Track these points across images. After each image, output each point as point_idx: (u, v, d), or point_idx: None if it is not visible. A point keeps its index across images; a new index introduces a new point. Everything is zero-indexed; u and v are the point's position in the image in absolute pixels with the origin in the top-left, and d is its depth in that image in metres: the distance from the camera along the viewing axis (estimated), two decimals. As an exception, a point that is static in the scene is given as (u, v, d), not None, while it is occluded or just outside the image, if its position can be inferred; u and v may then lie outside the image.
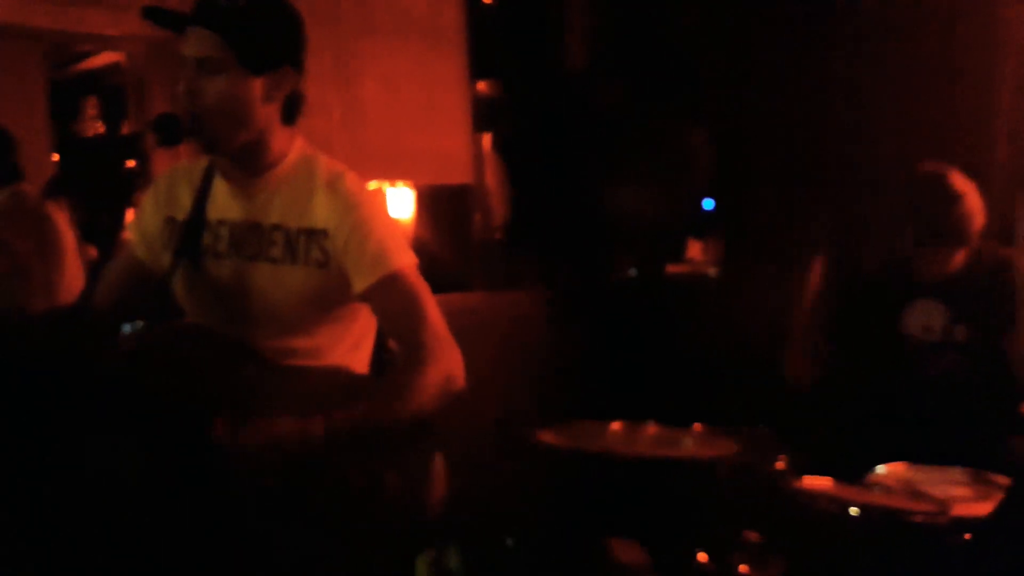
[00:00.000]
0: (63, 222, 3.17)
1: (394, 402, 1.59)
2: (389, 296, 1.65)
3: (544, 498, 2.13)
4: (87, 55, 5.25)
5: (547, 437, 2.12)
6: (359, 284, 1.66)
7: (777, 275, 3.08)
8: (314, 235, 1.67)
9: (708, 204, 4.77)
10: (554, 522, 2.07)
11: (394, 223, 1.77)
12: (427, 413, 1.62)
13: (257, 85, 1.64)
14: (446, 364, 1.64)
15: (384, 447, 1.59)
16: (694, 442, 2.34)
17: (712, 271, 4.59)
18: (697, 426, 2.38)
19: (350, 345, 1.73)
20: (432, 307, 1.67)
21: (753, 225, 4.27)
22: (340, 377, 1.69)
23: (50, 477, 1.40)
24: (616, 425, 2.36)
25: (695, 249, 4.76)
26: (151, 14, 1.59)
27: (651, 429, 2.38)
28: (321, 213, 1.68)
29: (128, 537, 1.40)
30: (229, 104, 1.63)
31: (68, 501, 1.40)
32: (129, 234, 1.81)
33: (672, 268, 4.72)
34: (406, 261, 1.69)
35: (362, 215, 1.68)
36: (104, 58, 5.26)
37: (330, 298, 1.69)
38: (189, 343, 1.61)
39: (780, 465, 2.19)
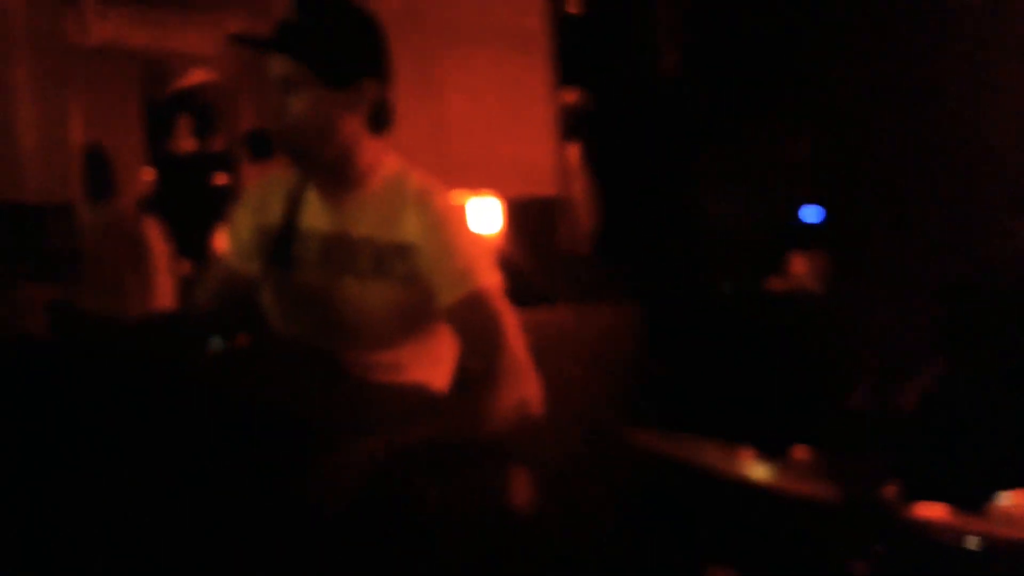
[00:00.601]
0: (157, 238, 3.31)
1: (466, 425, 1.61)
2: (471, 315, 1.68)
3: (636, 518, 2.12)
4: (180, 74, 5.48)
5: (639, 455, 2.10)
6: (443, 300, 1.69)
7: (889, 293, 3.00)
8: (402, 250, 1.71)
9: (812, 214, 4.68)
10: (647, 548, 2.05)
11: (481, 241, 1.79)
12: (503, 434, 1.64)
13: (338, 100, 1.69)
14: (523, 389, 1.66)
15: (458, 466, 1.61)
16: (795, 468, 2.29)
17: (816, 287, 4.49)
18: (798, 451, 2.33)
19: (431, 362, 1.76)
20: (514, 330, 1.69)
21: (862, 237, 4.17)
22: (419, 395, 1.72)
23: (135, 481, 1.45)
24: (712, 446, 2.32)
25: (797, 263, 4.67)
26: (238, 40, 1.67)
27: (749, 453, 2.34)
28: (410, 228, 1.71)
29: (202, 548, 1.44)
30: (312, 120, 1.69)
31: (150, 502, 1.45)
32: (223, 244, 1.88)
33: (772, 283, 4.64)
34: (492, 280, 1.71)
35: (450, 232, 1.71)
36: (196, 76, 5.48)
37: (415, 314, 1.72)
38: (275, 355, 1.66)
39: (889, 493, 2.14)
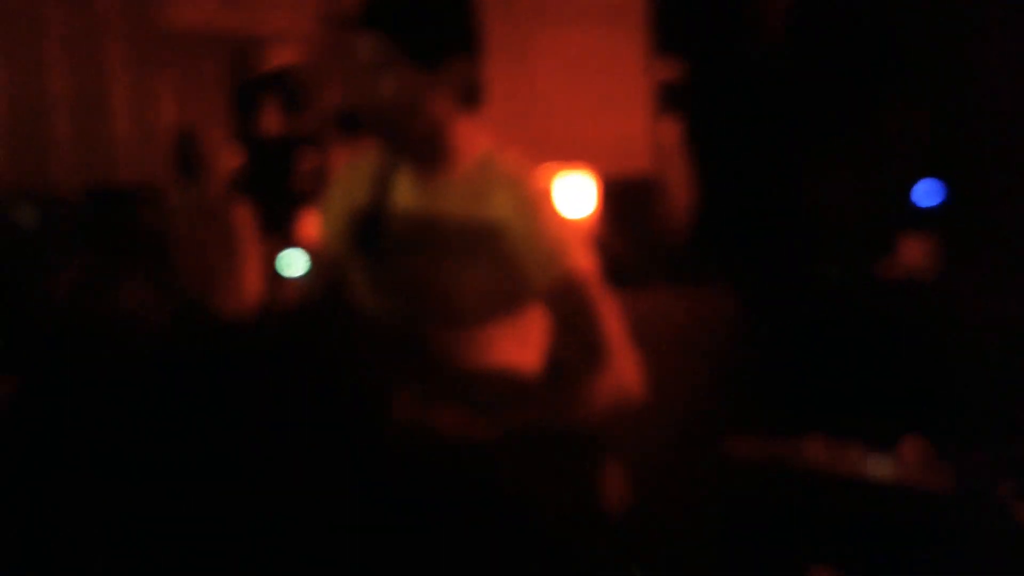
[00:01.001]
0: (247, 220, 3.38)
1: (563, 410, 1.61)
2: (565, 296, 1.67)
3: (736, 515, 2.10)
4: (267, 55, 5.62)
5: (740, 450, 2.08)
6: (535, 281, 1.69)
7: (1012, 280, 2.89)
8: (492, 229, 1.71)
9: (927, 193, 4.52)
10: (748, 545, 2.03)
11: (574, 222, 1.78)
12: (599, 423, 1.63)
13: (427, 79, 1.69)
14: (622, 373, 1.64)
15: (551, 454, 1.62)
16: (906, 464, 2.24)
17: (929, 273, 4.35)
18: (908, 446, 2.28)
19: (521, 343, 1.76)
20: (611, 311, 1.68)
21: (983, 219, 4.01)
22: (508, 377, 1.73)
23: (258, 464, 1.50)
24: (816, 440, 2.29)
25: (909, 246, 4.52)
26: (328, 19, 1.70)
27: (854, 448, 2.30)
28: (502, 208, 1.71)
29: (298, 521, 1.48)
30: (401, 100, 1.69)
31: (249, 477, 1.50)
32: (313, 227, 1.93)
33: (881, 268, 4.51)
34: (586, 261, 1.70)
35: (542, 212, 1.71)
36: (283, 57, 5.60)
37: (504, 294, 1.72)
38: (365, 337, 1.69)
39: (1005, 491, 2.07)
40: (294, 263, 4.21)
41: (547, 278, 1.67)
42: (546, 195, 1.72)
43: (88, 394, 1.64)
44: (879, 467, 2.25)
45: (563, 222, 1.71)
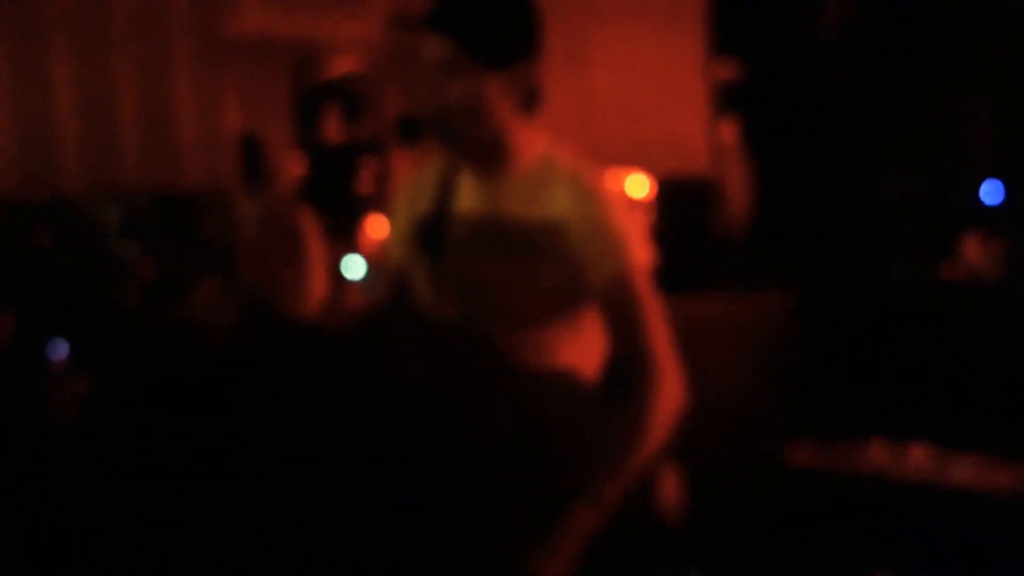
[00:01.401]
0: (312, 226, 3.43)
1: (641, 453, 1.64)
2: (620, 292, 1.68)
3: (797, 521, 2.08)
4: (329, 63, 5.68)
5: (800, 455, 2.06)
6: (593, 278, 1.70)
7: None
8: (552, 227, 1.72)
9: (991, 193, 4.41)
10: (808, 549, 2.01)
11: (633, 220, 1.79)
12: (654, 453, 1.65)
13: (495, 83, 1.70)
14: (673, 386, 1.67)
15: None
16: (972, 469, 2.20)
17: (993, 274, 4.25)
18: (974, 451, 2.24)
19: (582, 345, 1.77)
20: (659, 317, 1.69)
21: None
22: (569, 380, 1.73)
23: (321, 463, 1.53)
24: (878, 445, 2.26)
25: (973, 247, 4.43)
26: (397, 22, 1.72)
27: (920, 451, 2.26)
28: (561, 206, 1.73)
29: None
30: (468, 104, 1.71)
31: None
32: (375, 233, 1.96)
33: (945, 270, 4.42)
34: (642, 260, 1.71)
35: (602, 210, 1.72)
36: (345, 65, 5.66)
37: (565, 293, 1.73)
38: (428, 337, 1.71)
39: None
40: (356, 268, 4.26)
41: (605, 272, 1.68)
42: (605, 191, 1.72)
43: (159, 395, 1.68)
44: (944, 470, 2.21)
45: (623, 219, 1.72)
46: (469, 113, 1.71)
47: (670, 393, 1.66)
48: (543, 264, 1.72)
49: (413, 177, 1.93)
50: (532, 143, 1.78)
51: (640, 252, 1.70)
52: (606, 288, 1.69)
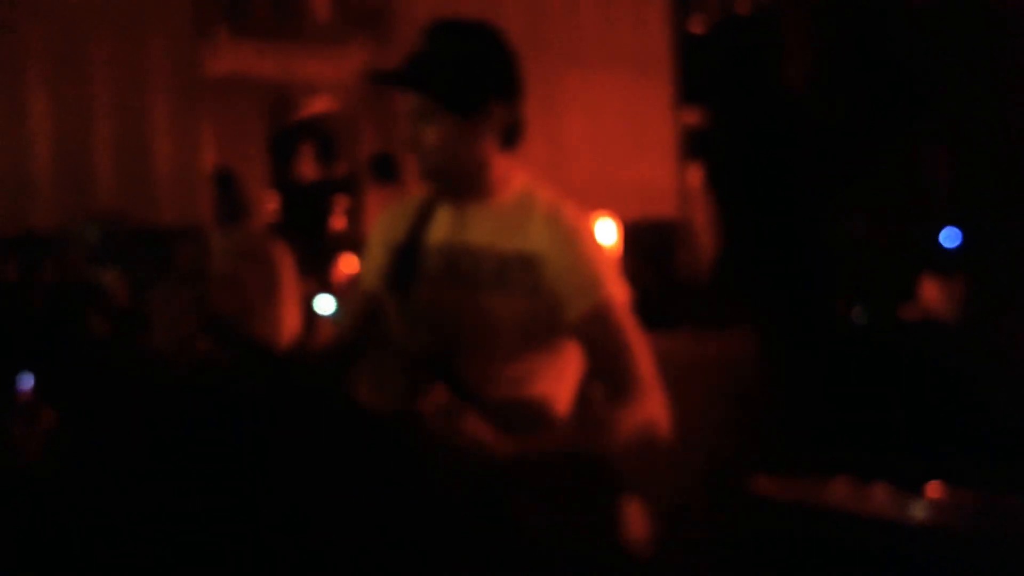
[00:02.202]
0: (287, 262, 3.39)
1: (593, 437, 1.59)
2: (599, 327, 1.65)
3: (760, 555, 2.05)
4: (304, 102, 5.69)
5: (766, 488, 2.04)
6: (570, 313, 1.67)
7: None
8: (529, 261, 1.70)
9: (949, 237, 4.46)
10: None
11: (608, 255, 1.78)
12: (627, 455, 1.61)
13: (472, 127, 1.71)
14: (651, 407, 1.62)
15: (573, 489, 1.59)
16: (930, 508, 2.19)
17: (951, 315, 4.29)
18: (933, 489, 2.23)
19: (555, 377, 1.74)
20: (642, 344, 1.66)
21: (1004, 262, 3.96)
22: (539, 409, 1.71)
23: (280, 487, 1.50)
24: (841, 482, 2.24)
25: (931, 289, 4.47)
26: (370, 76, 1.72)
27: (880, 489, 2.25)
28: (538, 239, 1.71)
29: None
30: (447, 147, 1.71)
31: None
32: (348, 269, 1.94)
33: (904, 310, 4.45)
34: (619, 292, 1.69)
35: (579, 244, 1.70)
36: (319, 105, 5.67)
37: (538, 326, 1.70)
38: (396, 369, 1.68)
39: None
40: (327, 305, 4.23)
41: (582, 308, 1.66)
42: (584, 227, 1.71)
43: (128, 427, 1.64)
44: (905, 509, 2.19)
45: (599, 253, 1.71)
46: (448, 155, 1.71)
47: (650, 406, 1.63)
48: (517, 297, 1.70)
49: (390, 208, 1.91)
50: (511, 178, 1.77)
51: (618, 284, 1.69)
52: (585, 321, 1.66)
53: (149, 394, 1.70)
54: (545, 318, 1.68)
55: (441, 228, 1.77)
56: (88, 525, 1.57)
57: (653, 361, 1.63)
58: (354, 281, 1.91)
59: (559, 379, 1.73)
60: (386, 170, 4.13)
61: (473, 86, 1.68)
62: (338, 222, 5.38)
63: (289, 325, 3.33)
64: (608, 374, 1.64)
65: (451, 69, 1.67)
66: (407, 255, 1.76)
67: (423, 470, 1.54)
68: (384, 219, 1.89)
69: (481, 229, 1.74)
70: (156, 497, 1.52)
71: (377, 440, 1.56)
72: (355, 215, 5.14)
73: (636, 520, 1.66)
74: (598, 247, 1.71)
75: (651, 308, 4.04)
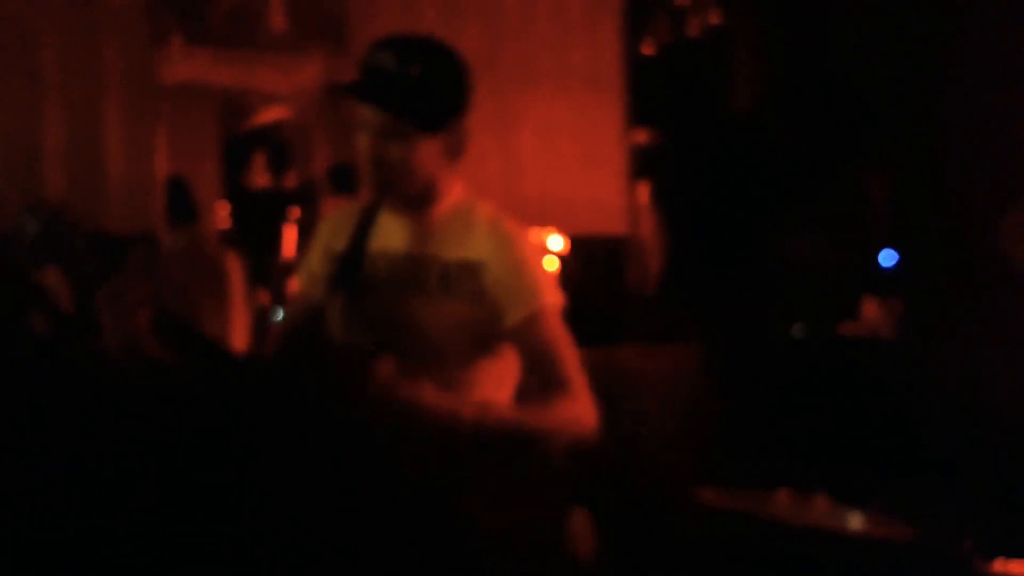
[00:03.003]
0: (236, 269, 3.34)
1: (534, 426, 1.62)
2: (536, 332, 1.68)
3: (704, 563, 2.06)
4: (257, 111, 5.63)
5: (708, 499, 2.05)
6: (509, 318, 1.70)
7: (967, 341, 2.90)
8: (470, 268, 1.72)
9: (887, 258, 4.55)
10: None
11: (545, 264, 1.80)
12: (558, 450, 1.63)
13: (429, 143, 1.71)
14: (581, 407, 1.66)
15: (517, 497, 1.59)
16: (868, 519, 2.22)
17: (890, 333, 4.37)
18: (871, 501, 2.26)
19: (496, 383, 1.76)
20: (573, 351, 1.71)
21: (939, 283, 4.04)
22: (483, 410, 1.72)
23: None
24: (783, 494, 2.26)
25: (871, 308, 4.55)
26: (334, 90, 1.70)
27: (821, 501, 2.27)
28: (479, 247, 1.73)
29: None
30: (410, 165, 1.72)
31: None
32: (298, 277, 1.90)
33: (844, 328, 4.52)
34: (555, 300, 1.72)
35: (519, 251, 1.72)
36: (272, 114, 5.62)
37: (481, 332, 1.72)
38: (331, 363, 1.66)
39: (967, 546, 2.04)
40: (276, 314, 4.18)
41: (521, 314, 1.69)
42: (521, 237, 1.73)
43: (76, 432, 1.59)
44: (844, 520, 2.22)
45: (537, 262, 1.73)
46: (404, 170, 1.71)
47: (585, 411, 1.65)
48: (459, 303, 1.71)
49: (330, 218, 1.91)
50: (453, 188, 1.78)
51: (553, 295, 1.72)
52: (522, 328, 1.69)
53: (99, 397, 1.66)
54: (486, 325, 1.71)
55: (386, 238, 1.77)
56: (30, 535, 1.52)
57: (582, 368, 1.67)
58: (293, 285, 1.89)
59: (500, 385, 1.75)
60: (344, 181, 4.10)
61: (438, 105, 1.69)
62: (290, 232, 5.33)
63: (238, 334, 3.28)
64: (543, 375, 1.67)
65: (419, 88, 1.67)
66: (351, 261, 1.75)
67: (386, 457, 1.53)
68: (324, 227, 1.88)
69: (427, 240, 1.75)
70: (109, 499, 1.48)
71: (338, 432, 1.54)
72: (308, 225, 5.09)
73: (580, 531, 1.66)
74: (536, 257, 1.74)
75: (599, 322, 4.06)
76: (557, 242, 4.82)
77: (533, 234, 1.81)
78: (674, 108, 5.62)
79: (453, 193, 1.78)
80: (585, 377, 1.66)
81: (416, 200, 1.75)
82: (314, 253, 1.86)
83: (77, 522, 1.49)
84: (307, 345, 1.78)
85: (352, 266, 1.75)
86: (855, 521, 2.19)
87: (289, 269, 4.89)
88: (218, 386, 1.59)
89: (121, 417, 1.58)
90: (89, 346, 1.79)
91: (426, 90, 1.68)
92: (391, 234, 1.77)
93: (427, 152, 1.70)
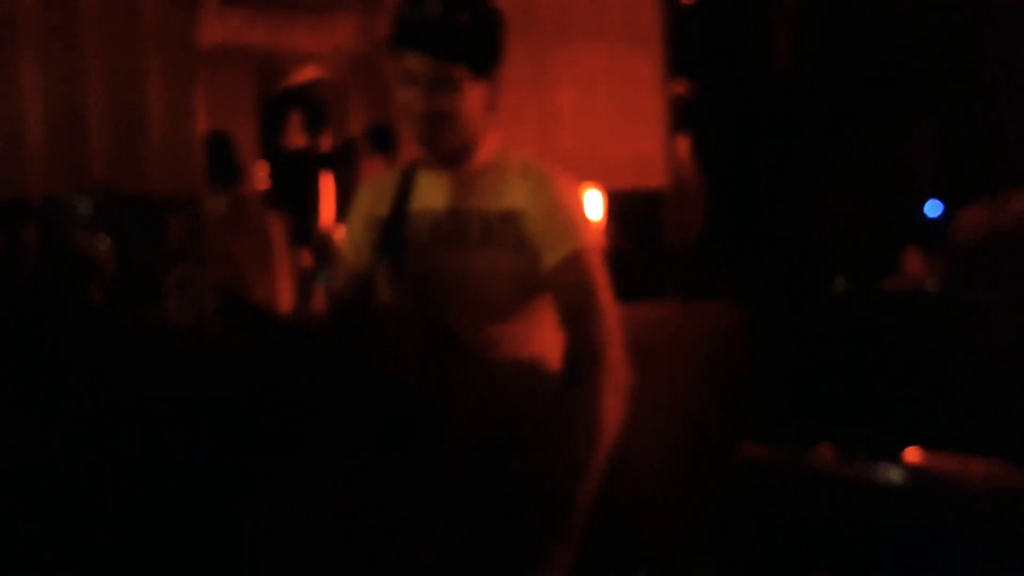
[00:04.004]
0: (279, 230, 3.38)
1: (599, 445, 1.62)
2: (574, 274, 1.68)
3: (744, 522, 2.09)
4: (293, 71, 5.64)
5: (751, 454, 2.07)
6: (548, 259, 1.71)
7: (1013, 295, 2.87)
8: (511, 217, 1.73)
9: (932, 209, 4.48)
10: (754, 551, 2.02)
11: (583, 206, 1.79)
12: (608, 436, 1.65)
13: (479, 92, 1.72)
14: (619, 369, 1.67)
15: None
16: (909, 471, 2.23)
17: (934, 286, 4.31)
18: (911, 454, 2.26)
19: (541, 337, 1.77)
20: (610, 297, 1.70)
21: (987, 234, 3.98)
22: (534, 371, 1.73)
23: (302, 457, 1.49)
24: (824, 449, 2.28)
25: (914, 260, 4.49)
26: (381, 45, 1.70)
27: (862, 456, 2.28)
28: (517, 195, 1.74)
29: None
30: (460, 115, 1.72)
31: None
32: (342, 246, 1.92)
33: (888, 282, 4.48)
34: (593, 241, 1.72)
35: (556, 195, 1.73)
36: (308, 74, 5.63)
37: (527, 282, 1.73)
38: (396, 335, 1.69)
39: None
40: (323, 276, 4.22)
41: (559, 255, 1.69)
42: (556, 178, 1.74)
43: (126, 398, 1.63)
44: (884, 474, 2.23)
45: (575, 204, 1.74)
46: (455, 120, 1.71)
47: (617, 377, 1.66)
48: (503, 254, 1.73)
49: (369, 184, 1.93)
50: (492, 141, 1.79)
51: (592, 235, 1.72)
52: (561, 269, 1.69)
53: (163, 370, 1.67)
54: (530, 273, 1.72)
55: (426, 197, 1.78)
56: (89, 510, 1.55)
57: (618, 314, 1.67)
58: (338, 254, 1.91)
59: (545, 342, 1.76)
60: (384, 141, 4.11)
61: (486, 51, 1.70)
62: (328, 193, 5.36)
63: (283, 296, 3.33)
64: (575, 331, 1.67)
65: (469, 34, 1.68)
66: (394, 226, 1.77)
67: (434, 428, 1.54)
68: (363, 195, 1.90)
69: (467, 194, 1.76)
70: (165, 470, 1.51)
71: (395, 409, 1.56)
72: (346, 186, 5.12)
73: (625, 484, 1.69)
74: (573, 200, 1.75)
75: (639, 278, 4.06)
76: (597, 198, 4.81)
77: (570, 179, 1.81)
78: (714, 59, 5.54)
79: (489, 144, 1.79)
80: (618, 331, 1.66)
81: (456, 154, 1.76)
82: (355, 222, 1.88)
83: (134, 490, 1.52)
84: (359, 317, 1.80)
85: (396, 231, 1.77)
86: (895, 474, 2.20)
87: (328, 230, 4.93)
88: (280, 362, 1.61)
89: (179, 389, 1.60)
90: (142, 317, 1.83)
91: (475, 36, 1.69)
92: (431, 192, 1.78)
93: (474, 101, 1.71)
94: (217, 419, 1.49)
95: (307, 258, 4.50)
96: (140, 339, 1.66)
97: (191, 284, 1.63)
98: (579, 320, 1.67)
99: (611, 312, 1.68)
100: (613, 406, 1.63)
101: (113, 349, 1.72)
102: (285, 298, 3.30)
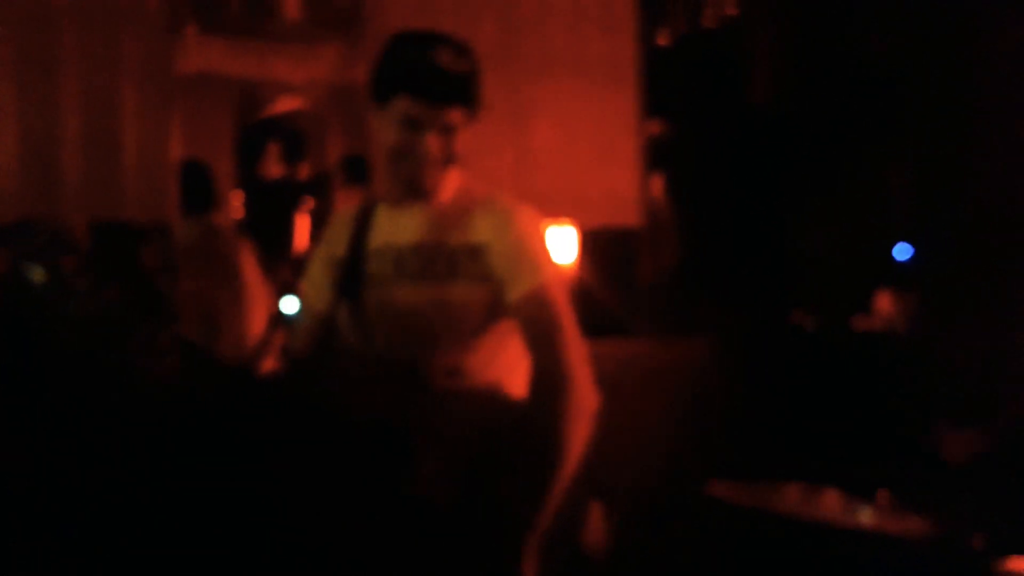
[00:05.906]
0: (250, 260, 3.36)
1: (564, 469, 1.62)
2: (535, 309, 1.69)
3: (715, 559, 2.07)
4: (271, 101, 5.65)
5: (721, 492, 2.06)
6: (512, 293, 1.72)
7: (980, 337, 2.89)
8: (474, 250, 1.75)
9: (902, 251, 4.53)
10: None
11: (545, 239, 1.81)
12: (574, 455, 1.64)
13: (453, 130, 1.76)
14: (586, 394, 1.68)
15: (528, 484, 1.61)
16: (880, 513, 2.23)
17: (903, 327, 4.35)
18: (883, 495, 2.26)
19: (507, 364, 1.77)
20: (575, 327, 1.72)
21: (957, 278, 4.03)
22: (495, 399, 1.73)
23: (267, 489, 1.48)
24: (793, 488, 2.27)
25: (884, 301, 4.54)
26: (364, 86, 1.75)
27: (832, 495, 2.28)
28: (481, 229, 1.76)
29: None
30: (458, 155, 1.78)
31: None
32: (302, 289, 1.92)
33: (858, 322, 4.51)
34: (556, 274, 1.74)
35: (519, 229, 1.75)
36: (287, 104, 5.64)
37: (493, 312, 1.74)
38: (357, 371, 1.68)
39: (978, 544, 2.05)
40: (290, 304, 4.19)
41: (523, 289, 1.71)
42: (520, 212, 1.76)
43: (97, 439, 1.61)
44: (855, 514, 2.23)
45: (539, 238, 1.75)
46: (450, 162, 1.77)
47: (582, 400, 1.67)
48: (469, 287, 1.74)
49: (328, 225, 1.93)
50: (454, 176, 1.82)
51: (555, 269, 1.74)
52: (525, 303, 1.70)
53: (118, 408, 1.66)
54: (493, 306, 1.73)
55: (386, 233, 1.79)
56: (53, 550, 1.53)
57: (582, 340, 1.69)
58: (299, 295, 1.91)
59: (512, 366, 1.76)
60: (359, 173, 4.12)
61: (479, 93, 1.75)
62: (303, 223, 5.36)
63: (255, 324, 3.30)
64: (542, 353, 1.68)
65: (472, 79, 1.72)
66: (352, 265, 1.77)
67: (412, 467, 1.54)
68: (324, 234, 1.91)
69: (430, 227, 1.77)
70: (124, 511, 1.49)
71: (361, 445, 1.56)
72: (322, 217, 5.12)
73: (596, 523, 1.68)
74: (537, 233, 1.77)
75: (612, 314, 4.06)
76: (571, 235, 4.83)
77: (532, 212, 1.82)
78: (689, 99, 5.61)
79: (452, 179, 1.80)
80: (584, 356, 1.68)
81: (428, 191, 1.77)
82: (315, 263, 1.88)
83: (99, 522, 1.50)
84: (319, 361, 1.80)
85: (354, 270, 1.77)
86: (864, 516, 2.20)
87: (301, 260, 4.91)
88: (235, 406, 1.60)
89: (144, 441, 1.58)
90: (110, 359, 1.79)
91: (473, 81, 1.73)
92: (392, 227, 1.79)
93: (465, 141, 1.75)
94: (187, 469, 1.48)
95: (287, 273, 4.47)
96: (106, 388, 1.64)
97: (159, 342, 1.63)
98: (544, 347, 1.68)
99: (575, 339, 1.69)
100: (577, 428, 1.64)
101: (78, 393, 1.70)
102: (259, 326, 3.28)
